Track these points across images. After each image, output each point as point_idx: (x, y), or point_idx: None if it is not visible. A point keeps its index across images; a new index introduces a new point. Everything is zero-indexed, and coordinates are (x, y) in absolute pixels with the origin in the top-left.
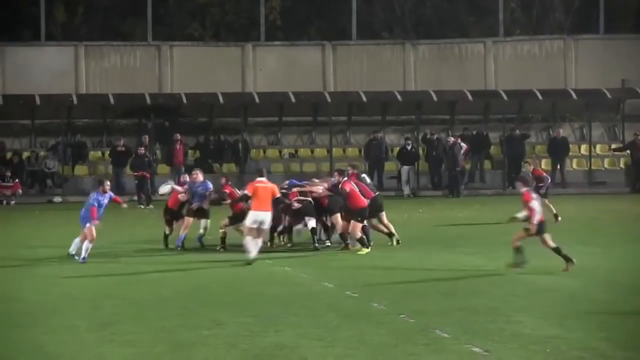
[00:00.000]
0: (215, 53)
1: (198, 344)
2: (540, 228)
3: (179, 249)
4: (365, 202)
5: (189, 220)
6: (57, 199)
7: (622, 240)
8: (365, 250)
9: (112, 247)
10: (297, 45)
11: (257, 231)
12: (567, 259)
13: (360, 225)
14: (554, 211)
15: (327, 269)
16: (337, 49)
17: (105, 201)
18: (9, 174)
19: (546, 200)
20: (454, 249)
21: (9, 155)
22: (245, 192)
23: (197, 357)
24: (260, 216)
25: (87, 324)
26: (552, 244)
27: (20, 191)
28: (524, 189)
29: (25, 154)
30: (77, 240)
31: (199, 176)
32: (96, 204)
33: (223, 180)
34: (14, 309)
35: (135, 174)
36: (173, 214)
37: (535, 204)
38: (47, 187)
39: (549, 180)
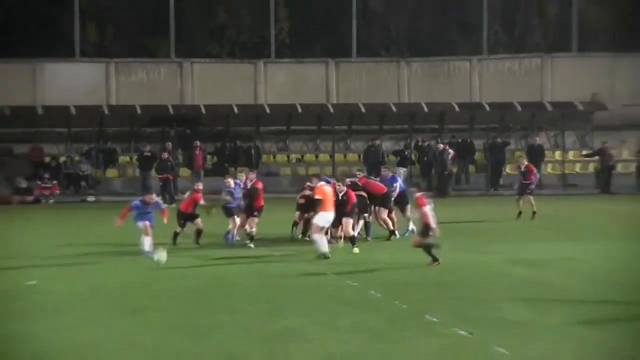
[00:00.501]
0: (230, 69)
1: (217, 328)
2: (425, 230)
3: (233, 242)
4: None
5: (243, 218)
6: (91, 198)
7: (594, 236)
8: (357, 249)
9: (136, 246)
10: (303, 62)
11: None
12: (435, 259)
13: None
14: (534, 209)
15: (330, 262)
16: (339, 65)
17: (149, 211)
18: (47, 176)
19: (531, 198)
20: (443, 244)
21: (47, 159)
22: (317, 196)
23: (216, 339)
24: (329, 216)
25: (118, 311)
26: (426, 241)
27: (57, 191)
28: (418, 194)
29: (62, 159)
30: (143, 238)
31: (230, 182)
32: (134, 207)
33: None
34: (50, 298)
35: (160, 176)
36: (186, 217)
37: (428, 208)
38: (81, 188)
39: (537, 178)
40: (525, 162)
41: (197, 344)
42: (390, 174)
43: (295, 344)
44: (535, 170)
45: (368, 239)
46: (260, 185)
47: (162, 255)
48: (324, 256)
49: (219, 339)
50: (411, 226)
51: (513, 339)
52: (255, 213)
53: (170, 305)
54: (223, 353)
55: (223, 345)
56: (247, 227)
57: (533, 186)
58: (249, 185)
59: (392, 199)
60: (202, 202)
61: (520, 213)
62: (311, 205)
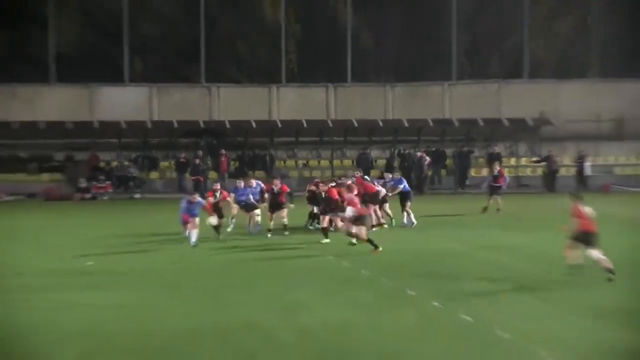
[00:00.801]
0: (249, 92)
1: (238, 300)
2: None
3: (252, 232)
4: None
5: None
6: (137, 196)
7: (541, 227)
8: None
9: (174, 235)
10: (308, 86)
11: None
12: (375, 247)
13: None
14: (499, 206)
15: (330, 248)
16: (337, 89)
17: (196, 209)
18: (102, 177)
19: (498, 198)
20: (421, 232)
21: (102, 164)
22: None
23: (238, 309)
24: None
25: (158, 285)
26: (365, 236)
27: (110, 190)
28: (348, 195)
29: (114, 164)
30: (187, 232)
31: (253, 182)
32: (184, 208)
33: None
34: (102, 276)
35: (193, 178)
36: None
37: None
38: (130, 187)
39: (507, 182)
40: (498, 168)
41: (222, 313)
42: (398, 177)
43: (302, 313)
44: (505, 175)
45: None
46: (286, 189)
47: (212, 220)
48: (352, 244)
49: (241, 309)
50: (407, 218)
51: (475, 308)
52: (283, 206)
53: (200, 282)
54: (243, 321)
55: (244, 314)
56: (284, 219)
57: (502, 189)
58: (275, 189)
59: (381, 197)
60: (228, 198)
61: (485, 208)
62: (314, 199)
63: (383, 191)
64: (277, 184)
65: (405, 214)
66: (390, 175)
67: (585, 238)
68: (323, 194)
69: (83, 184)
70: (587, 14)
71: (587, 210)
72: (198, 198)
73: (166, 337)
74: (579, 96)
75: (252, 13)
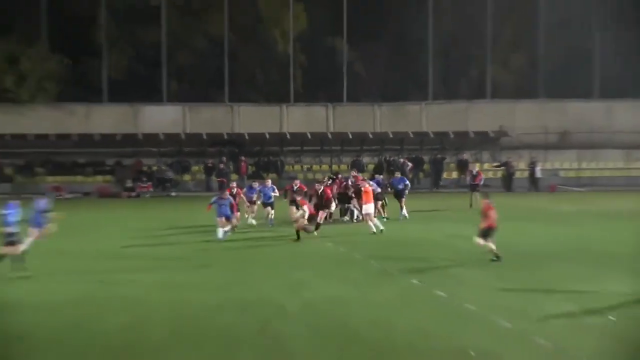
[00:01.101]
0: (264, 109)
1: (255, 279)
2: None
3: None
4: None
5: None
6: (173, 194)
7: (502, 219)
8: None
9: (203, 226)
10: (311, 105)
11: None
12: (298, 238)
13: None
14: (472, 202)
15: (329, 236)
16: (335, 107)
17: (226, 204)
18: (145, 179)
19: (477, 194)
20: (404, 224)
21: (145, 168)
22: (366, 191)
23: (254, 286)
24: (371, 207)
25: (190, 267)
26: (311, 229)
27: (151, 189)
28: (299, 197)
29: (154, 168)
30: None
31: (269, 182)
32: (214, 201)
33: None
34: (137, 260)
35: (218, 179)
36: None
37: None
38: (167, 187)
39: (482, 180)
40: (477, 169)
41: (241, 289)
42: (399, 177)
43: (306, 290)
44: (481, 175)
45: (347, 219)
46: (304, 188)
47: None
48: (373, 232)
49: (256, 286)
50: (405, 213)
51: (448, 285)
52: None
53: (223, 264)
54: (258, 295)
55: (258, 290)
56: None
57: (481, 185)
58: (295, 188)
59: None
60: (242, 196)
61: (470, 205)
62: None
63: (377, 189)
64: (297, 184)
65: (401, 208)
66: (381, 176)
67: (488, 232)
68: (319, 192)
69: (129, 184)
70: (536, 48)
71: (493, 211)
72: (228, 195)
73: (198, 307)
74: (530, 113)
75: (266, 46)
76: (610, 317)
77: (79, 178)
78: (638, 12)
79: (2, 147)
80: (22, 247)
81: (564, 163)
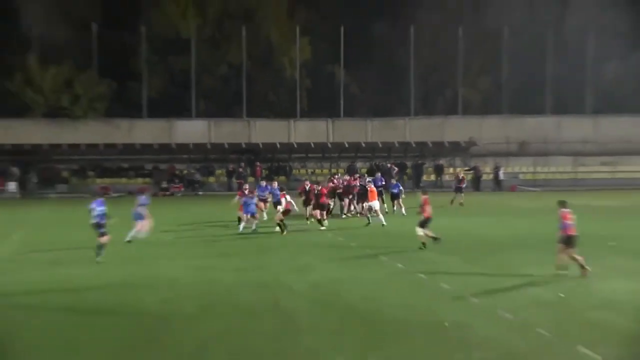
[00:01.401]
0: (275, 123)
1: (268, 264)
2: (286, 211)
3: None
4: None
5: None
6: (200, 193)
7: (474, 213)
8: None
9: (225, 221)
10: (314, 120)
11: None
12: (282, 229)
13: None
14: (461, 201)
15: (329, 228)
16: (334, 122)
17: (253, 203)
18: (177, 181)
19: (462, 195)
20: (392, 219)
21: (177, 172)
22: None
23: (268, 270)
24: (377, 204)
25: (213, 254)
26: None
27: (182, 189)
28: (284, 197)
29: (185, 171)
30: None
31: (275, 184)
32: (244, 202)
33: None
34: (179, 247)
35: (238, 181)
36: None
37: (288, 197)
38: (195, 187)
39: (465, 185)
40: (462, 174)
41: (257, 273)
42: (395, 183)
43: (311, 272)
44: (465, 179)
45: (343, 216)
46: (325, 191)
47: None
48: (383, 225)
49: (269, 270)
50: (399, 210)
51: (428, 269)
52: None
53: (242, 252)
54: (271, 277)
55: (271, 273)
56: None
57: (463, 188)
58: (316, 190)
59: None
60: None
61: (452, 201)
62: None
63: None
64: (314, 187)
65: (397, 207)
66: (370, 178)
67: (425, 222)
68: (316, 191)
69: (164, 185)
70: (500, 72)
71: (429, 206)
72: (254, 196)
73: (223, 287)
74: (495, 127)
75: (277, 72)
76: (560, 294)
77: (123, 180)
78: (580, 45)
79: (60, 154)
80: (109, 238)
81: (522, 167)
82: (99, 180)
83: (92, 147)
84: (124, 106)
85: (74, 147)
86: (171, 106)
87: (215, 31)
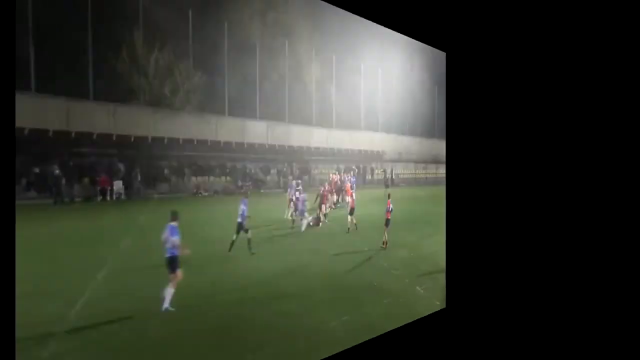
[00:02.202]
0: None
1: (283, 259)
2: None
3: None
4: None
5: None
6: (262, 191)
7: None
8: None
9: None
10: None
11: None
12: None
13: None
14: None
15: (329, 224)
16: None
17: (302, 198)
18: (248, 179)
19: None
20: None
21: (248, 170)
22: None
23: (281, 262)
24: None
25: (240, 251)
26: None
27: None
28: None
29: (252, 170)
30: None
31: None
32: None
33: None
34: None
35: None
36: None
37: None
38: (259, 185)
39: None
40: (389, 174)
41: (276, 265)
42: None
43: (319, 254)
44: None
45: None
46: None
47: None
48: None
49: (282, 262)
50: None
51: (403, 254)
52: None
53: (283, 242)
54: (288, 268)
55: (286, 264)
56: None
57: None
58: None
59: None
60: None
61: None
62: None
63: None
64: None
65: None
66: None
67: (352, 211)
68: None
69: (239, 183)
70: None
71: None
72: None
73: (251, 280)
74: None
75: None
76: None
77: (211, 178)
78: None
79: (161, 149)
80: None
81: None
82: (192, 179)
83: (189, 142)
84: (209, 101)
85: (174, 141)
86: (243, 105)
87: None
